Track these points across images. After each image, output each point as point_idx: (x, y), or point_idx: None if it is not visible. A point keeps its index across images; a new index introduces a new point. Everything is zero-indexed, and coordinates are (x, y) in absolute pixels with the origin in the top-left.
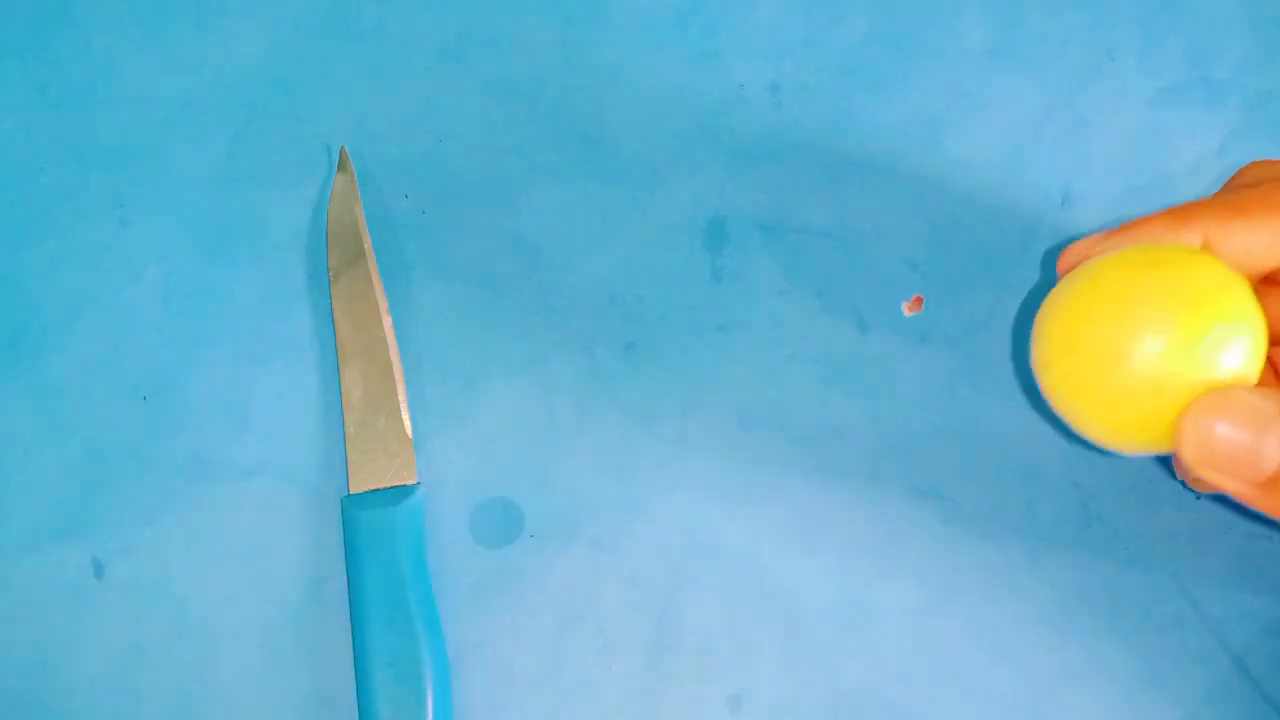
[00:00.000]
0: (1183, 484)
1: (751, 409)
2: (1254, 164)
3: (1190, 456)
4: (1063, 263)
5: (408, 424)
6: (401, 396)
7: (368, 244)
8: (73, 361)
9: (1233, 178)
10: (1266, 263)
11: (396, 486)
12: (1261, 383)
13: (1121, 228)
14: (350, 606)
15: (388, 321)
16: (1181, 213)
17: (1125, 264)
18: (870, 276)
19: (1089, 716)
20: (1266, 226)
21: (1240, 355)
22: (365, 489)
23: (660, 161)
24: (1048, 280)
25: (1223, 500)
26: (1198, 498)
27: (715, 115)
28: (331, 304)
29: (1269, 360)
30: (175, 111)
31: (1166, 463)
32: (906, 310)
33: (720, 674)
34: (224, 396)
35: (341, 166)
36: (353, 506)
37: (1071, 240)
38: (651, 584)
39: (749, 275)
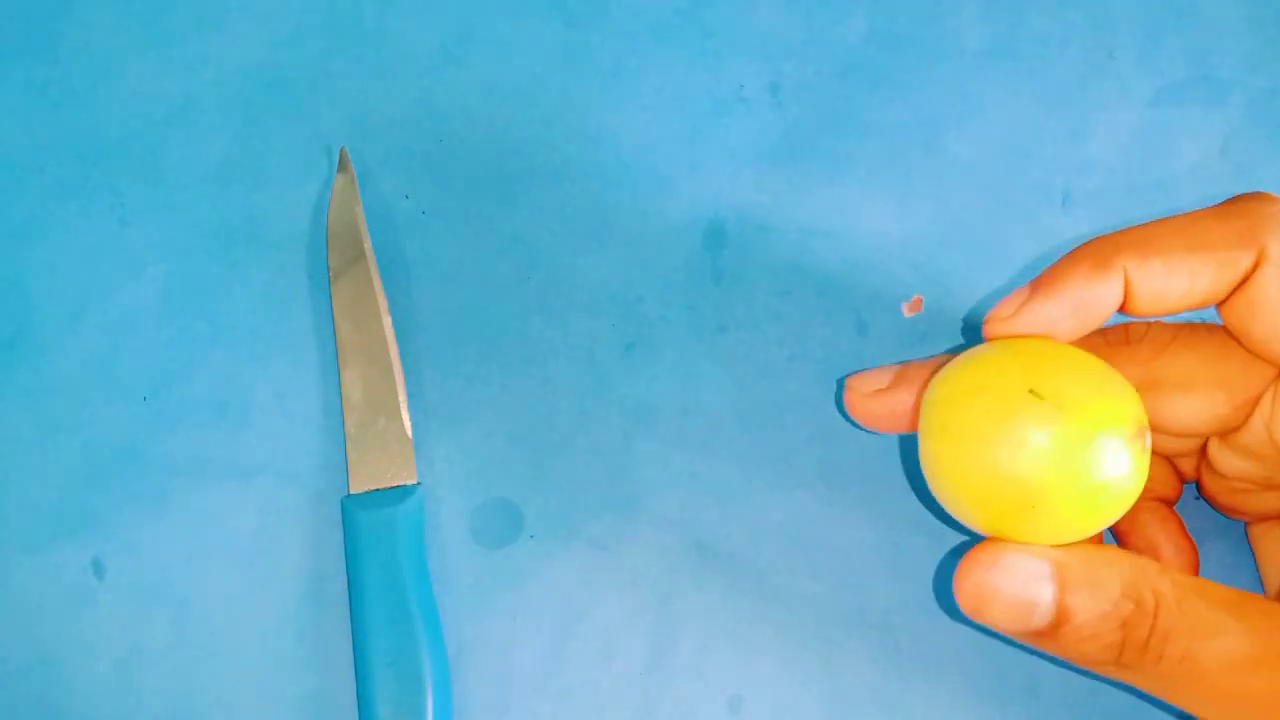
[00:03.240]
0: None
1: (751, 409)
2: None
3: (967, 608)
4: (989, 328)
5: (408, 424)
6: (401, 396)
7: (368, 244)
8: (73, 361)
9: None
10: (1182, 301)
11: (396, 486)
12: (1155, 480)
13: (1044, 281)
14: (350, 606)
15: (388, 321)
16: (1102, 255)
17: (1011, 365)
18: (870, 276)
19: (1089, 715)
20: (1183, 264)
21: (1119, 467)
22: (365, 489)
23: (660, 161)
24: None
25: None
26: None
27: (715, 115)
28: (331, 304)
29: (1165, 458)
30: (175, 111)
31: None
32: (906, 310)
33: (720, 674)
34: (224, 396)
35: (341, 166)
36: (353, 506)
37: (1076, 240)
38: (651, 584)
39: (749, 275)
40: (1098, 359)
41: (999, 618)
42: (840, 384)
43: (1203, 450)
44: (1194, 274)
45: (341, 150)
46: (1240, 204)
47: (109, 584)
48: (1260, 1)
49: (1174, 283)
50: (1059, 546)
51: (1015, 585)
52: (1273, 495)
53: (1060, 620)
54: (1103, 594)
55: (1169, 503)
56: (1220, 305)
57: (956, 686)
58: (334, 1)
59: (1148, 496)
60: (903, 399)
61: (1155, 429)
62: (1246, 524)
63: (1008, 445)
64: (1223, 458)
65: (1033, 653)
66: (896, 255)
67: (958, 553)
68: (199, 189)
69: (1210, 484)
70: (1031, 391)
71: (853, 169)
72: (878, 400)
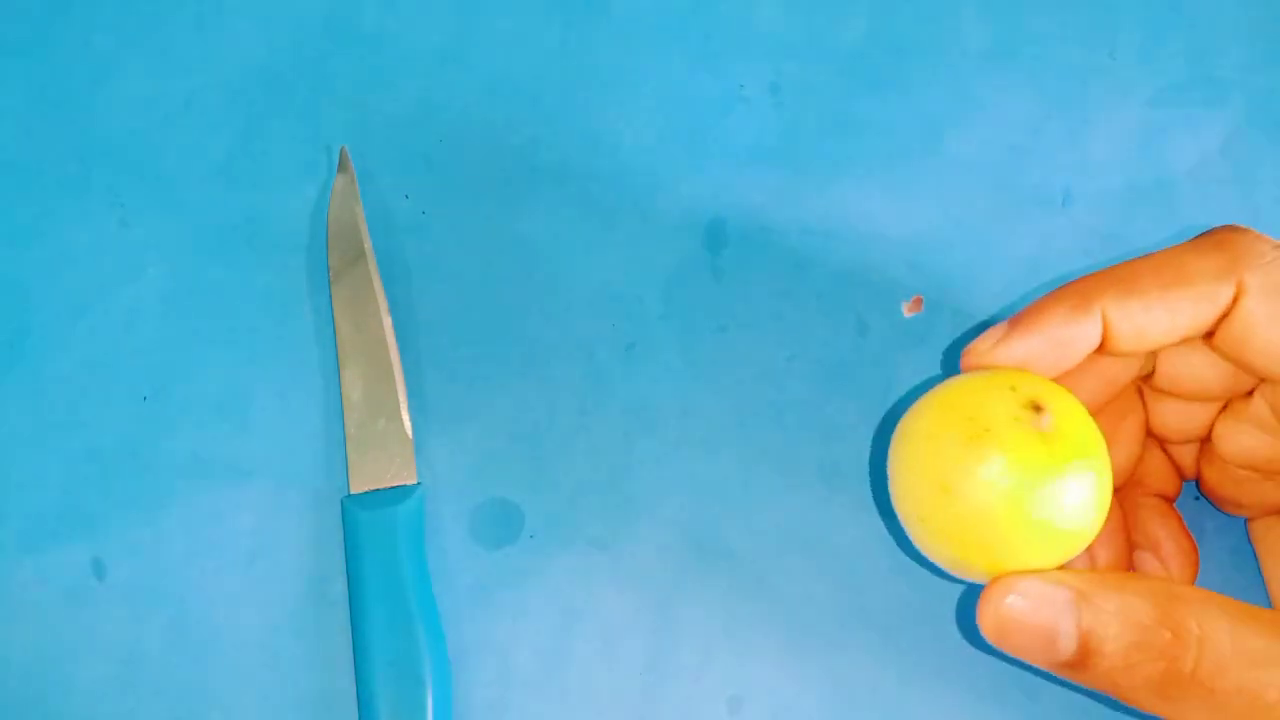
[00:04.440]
0: None
1: (751, 409)
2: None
3: (990, 637)
4: (966, 360)
5: (408, 424)
6: (401, 396)
7: (368, 244)
8: (73, 361)
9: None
10: (1161, 340)
11: (396, 486)
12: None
13: (1023, 318)
14: (350, 606)
15: (388, 321)
16: (1081, 296)
17: (970, 400)
18: (870, 276)
19: (1087, 716)
20: (1161, 303)
21: (1081, 498)
22: (365, 489)
23: (660, 161)
24: (1049, 282)
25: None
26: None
27: (715, 115)
28: (331, 304)
29: (1163, 448)
30: (175, 111)
31: None
32: (906, 310)
33: (720, 674)
34: (224, 396)
35: (341, 166)
36: (353, 506)
37: (1076, 241)
38: (651, 584)
39: (749, 275)
40: (1058, 387)
41: (1022, 648)
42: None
43: (1205, 439)
44: (1173, 311)
45: (341, 150)
46: (1215, 237)
47: (109, 584)
48: (1260, 1)
49: (1154, 321)
50: (1083, 573)
51: (1034, 613)
52: (1274, 486)
53: (1088, 651)
54: (1132, 622)
55: (1168, 499)
56: (1208, 339)
57: (956, 686)
58: (334, 1)
59: (1148, 492)
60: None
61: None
62: (1247, 521)
63: (965, 492)
64: (1230, 435)
65: (1077, 689)
66: (896, 255)
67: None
68: (199, 189)
69: (1211, 476)
70: (985, 431)
71: (853, 169)
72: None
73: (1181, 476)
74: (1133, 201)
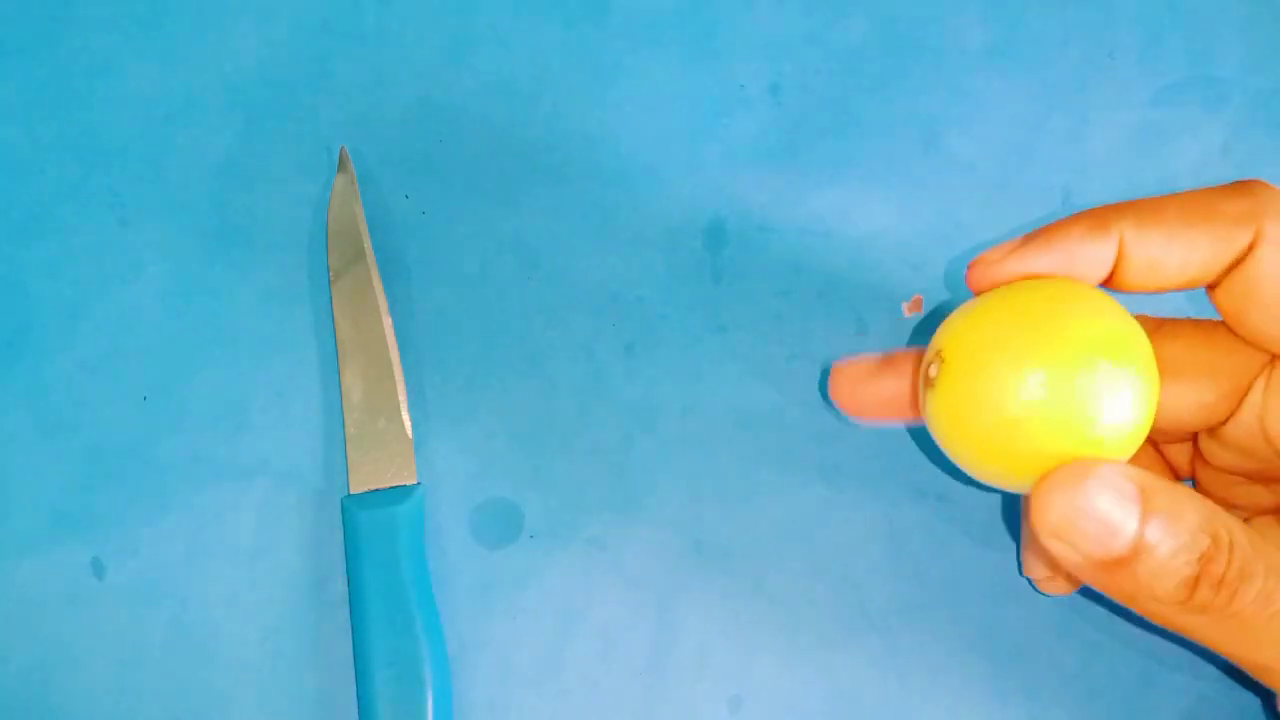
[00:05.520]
0: (1029, 581)
1: (751, 409)
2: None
3: (1041, 523)
4: (974, 272)
5: (408, 424)
6: (401, 396)
7: (368, 244)
8: (73, 361)
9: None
10: (1176, 276)
11: (396, 486)
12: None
13: (1038, 234)
14: (350, 606)
15: (388, 321)
16: (1100, 218)
17: (1016, 302)
18: (870, 276)
19: (1087, 717)
20: (1182, 236)
21: (1123, 407)
22: (365, 489)
23: (660, 161)
24: None
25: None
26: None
27: (715, 115)
28: (331, 304)
29: (1156, 448)
30: (175, 111)
31: None
32: (906, 310)
33: (720, 674)
34: (224, 396)
35: (341, 166)
36: (353, 506)
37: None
38: (651, 584)
39: (749, 275)
40: (1103, 294)
41: (1084, 538)
42: (825, 372)
43: (1195, 442)
44: (1191, 246)
45: (341, 150)
46: (1241, 186)
47: (109, 584)
48: (1260, 1)
49: (1171, 254)
50: (1140, 470)
51: (1106, 503)
52: (1265, 489)
53: (1137, 550)
54: (1183, 525)
55: None
56: (1215, 288)
57: (956, 686)
58: (334, 1)
59: None
60: (890, 385)
61: None
62: (1244, 521)
63: (1008, 385)
64: (1212, 451)
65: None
66: (896, 255)
67: (959, 546)
68: (199, 189)
69: (1204, 478)
70: (1028, 331)
71: (853, 169)
72: (864, 386)
73: (1177, 476)
74: None
